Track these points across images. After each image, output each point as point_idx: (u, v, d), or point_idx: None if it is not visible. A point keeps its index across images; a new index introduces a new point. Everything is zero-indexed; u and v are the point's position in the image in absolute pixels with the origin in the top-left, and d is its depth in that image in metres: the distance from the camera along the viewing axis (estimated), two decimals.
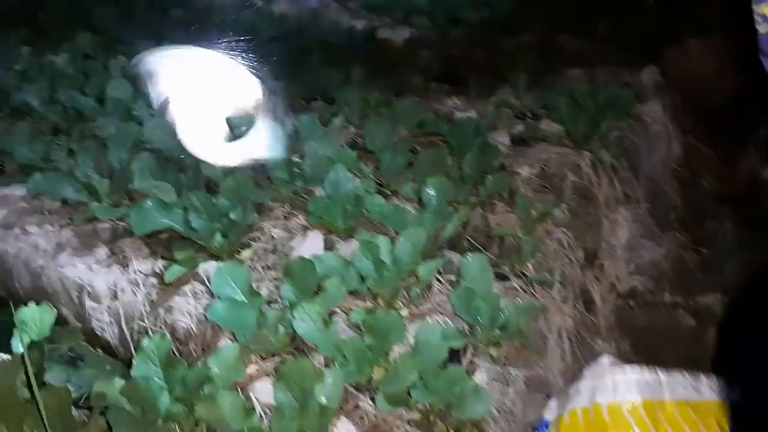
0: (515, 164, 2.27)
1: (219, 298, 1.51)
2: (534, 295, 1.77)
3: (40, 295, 2.10)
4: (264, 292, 1.67)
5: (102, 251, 1.99)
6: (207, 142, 1.91)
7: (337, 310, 1.60)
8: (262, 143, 2.08)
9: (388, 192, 2.12)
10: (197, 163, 2.01)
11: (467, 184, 2.06)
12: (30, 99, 2.26)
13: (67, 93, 2.24)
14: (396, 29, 3.30)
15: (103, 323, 1.87)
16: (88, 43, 2.66)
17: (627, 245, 2.30)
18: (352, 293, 1.63)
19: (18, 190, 2.16)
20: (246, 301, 1.48)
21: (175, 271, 1.79)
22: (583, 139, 2.34)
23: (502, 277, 1.78)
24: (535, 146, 2.37)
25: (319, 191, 2.01)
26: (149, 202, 1.81)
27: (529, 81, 2.68)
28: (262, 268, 1.86)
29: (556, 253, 1.96)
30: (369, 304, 1.64)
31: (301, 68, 2.61)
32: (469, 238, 1.96)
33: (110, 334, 1.86)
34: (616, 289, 2.25)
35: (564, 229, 2.02)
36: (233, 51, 1.93)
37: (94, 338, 1.86)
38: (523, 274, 1.81)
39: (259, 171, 2.03)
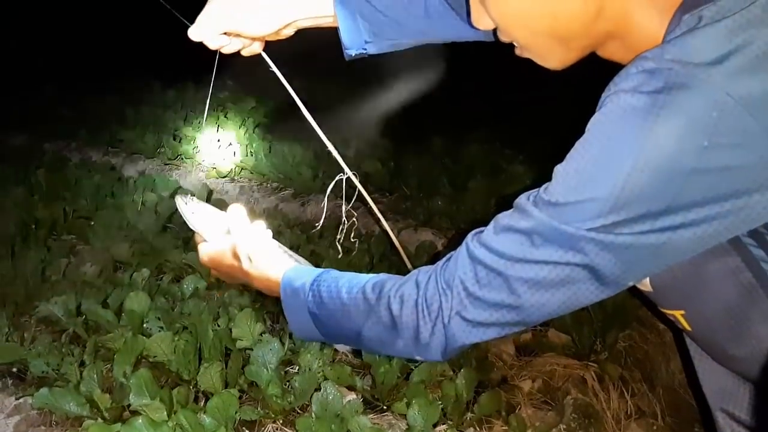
0: (518, 377, 2.24)
1: None
2: None
3: None
4: None
5: None
6: None
7: None
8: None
9: (383, 407, 2.10)
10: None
11: (461, 401, 2.03)
12: (56, 310, 2.42)
13: (89, 305, 2.39)
14: (417, 230, 3.42)
15: None
16: (122, 253, 2.87)
17: None
18: None
19: (32, 400, 2.26)
20: None
21: None
22: (589, 350, 2.29)
23: None
24: (542, 357, 2.33)
25: (309, 407, 2.01)
26: (140, 421, 1.86)
27: None
28: None
29: None
30: None
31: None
32: None
33: None
34: None
35: None
36: None
37: None
38: None
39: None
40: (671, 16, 0.85)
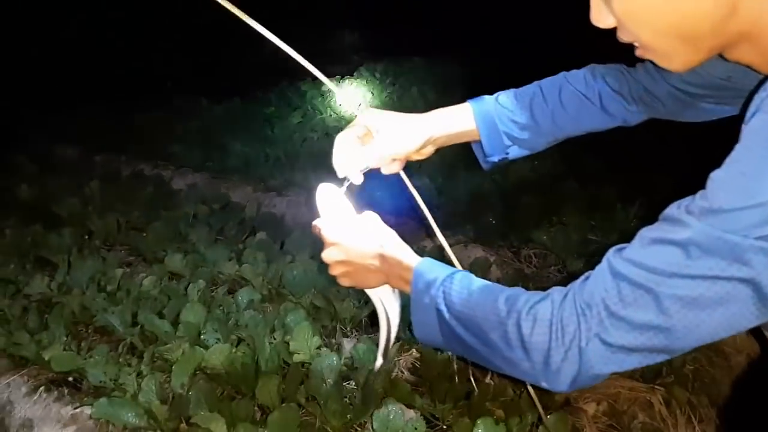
0: (581, 399, 2.16)
1: None
2: None
3: None
4: None
5: None
6: None
7: None
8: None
9: (443, 426, 2.05)
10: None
11: (526, 422, 1.97)
12: (113, 320, 2.43)
13: (146, 315, 2.40)
14: (468, 247, 3.37)
15: None
16: (176, 265, 2.88)
17: None
18: None
19: (89, 410, 2.26)
20: None
21: None
22: (655, 374, 2.21)
23: None
24: (605, 380, 2.25)
25: (370, 424, 1.97)
26: None
27: None
28: None
29: None
30: None
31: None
32: None
33: None
34: None
35: None
36: None
37: None
38: None
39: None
40: None
